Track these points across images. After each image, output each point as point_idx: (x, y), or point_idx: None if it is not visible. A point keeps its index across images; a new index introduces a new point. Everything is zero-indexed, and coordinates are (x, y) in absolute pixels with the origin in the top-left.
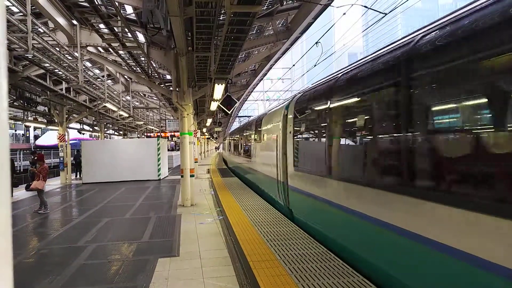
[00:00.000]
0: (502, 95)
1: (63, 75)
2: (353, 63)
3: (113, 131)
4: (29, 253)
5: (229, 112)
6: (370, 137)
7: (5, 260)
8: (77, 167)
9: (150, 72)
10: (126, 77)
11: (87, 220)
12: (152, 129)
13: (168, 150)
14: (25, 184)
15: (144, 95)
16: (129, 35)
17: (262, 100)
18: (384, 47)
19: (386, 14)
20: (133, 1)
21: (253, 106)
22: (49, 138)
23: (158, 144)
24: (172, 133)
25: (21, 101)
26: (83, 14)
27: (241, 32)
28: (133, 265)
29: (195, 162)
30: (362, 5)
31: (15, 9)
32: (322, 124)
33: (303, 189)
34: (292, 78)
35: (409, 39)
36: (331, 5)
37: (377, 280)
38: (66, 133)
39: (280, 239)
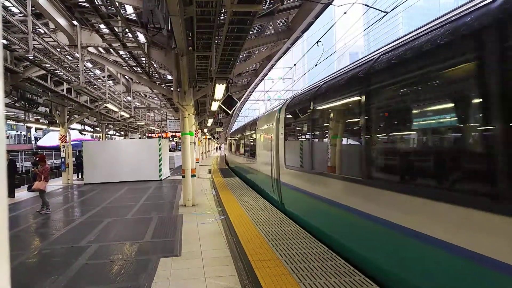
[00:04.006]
0: None
1: (64, 75)
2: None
3: (114, 132)
4: (32, 253)
5: (230, 112)
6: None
7: (2, 257)
8: (78, 167)
9: (151, 72)
10: (127, 77)
11: (89, 220)
12: (153, 129)
13: (169, 150)
14: (27, 185)
15: (145, 95)
16: (130, 35)
17: (263, 100)
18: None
19: (387, 12)
20: (133, 1)
21: (254, 106)
22: (51, 139)
23: (159, 145)
24: (173, 134)
25: (22, 102)
26: (83, 14)
27: (242, 31)
28: (135, 265)
29: (196, 162)
30: (363, 4)
31: (15, 10)
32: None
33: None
34: (293, 78)
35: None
36: (332, 4)
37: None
38: (67, 134)
39: (282, 238)
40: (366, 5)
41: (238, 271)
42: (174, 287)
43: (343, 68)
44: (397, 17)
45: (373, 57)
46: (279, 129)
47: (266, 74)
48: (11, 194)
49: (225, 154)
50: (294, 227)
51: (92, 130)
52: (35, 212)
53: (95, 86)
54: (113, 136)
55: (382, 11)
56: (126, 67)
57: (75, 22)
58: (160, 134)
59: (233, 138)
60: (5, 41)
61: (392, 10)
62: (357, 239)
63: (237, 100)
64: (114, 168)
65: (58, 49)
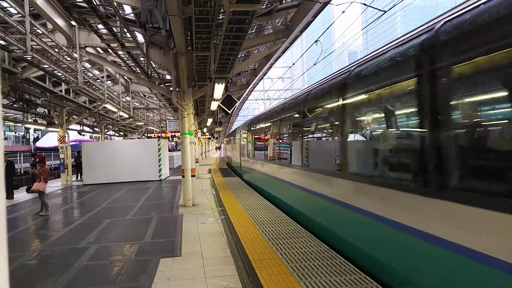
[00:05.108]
0: None
1: (63, 76)
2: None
3: (113, 132)
4: (31, 255)
5: (230, 112)
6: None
7: (1, 258)
8: (77, 168)
9: (149, 72)
10: (125, 77)
11: (88, 221)
12: (153, 129)
13: (169, 150)
14: (26, 186)
15: (144, 95)
16: (128, 35)
17: (262, 99)
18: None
19: (385, 11)
20: (132, 1)
21: (253, 105)
22: (49, 139)
23: (158, 145)
24: (173, 134)
25: (21, 103)
26: (81, 14)
27: (241, 31)
28: (135, 265)
29: (196, 162)
30: (361, 3)
31: (13, 11)
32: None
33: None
34: (292, 77)
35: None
36: (330, 3)
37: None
38: (66, 135)
39: (282, 237)
40: (364, 4)
41: (239, 270)
42: (175, 287)
43: None
44: (395, 15)
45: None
46: None
47: (265, 73)
48: (9, 195)
49: (228, 156)
50: (294, 226)
51: (91, 130)
52: (34, 214)
53: (93, 87)
54: (112, 137)
55: (380, 10)
56: (125, 67)
57: (73, 23)
58: (159, 134)
59: (265, 127)
60: (3, 42)
61: (390, 9)
62: None
63: (237, 100)
64: (114, 169)
65: (56, 50)
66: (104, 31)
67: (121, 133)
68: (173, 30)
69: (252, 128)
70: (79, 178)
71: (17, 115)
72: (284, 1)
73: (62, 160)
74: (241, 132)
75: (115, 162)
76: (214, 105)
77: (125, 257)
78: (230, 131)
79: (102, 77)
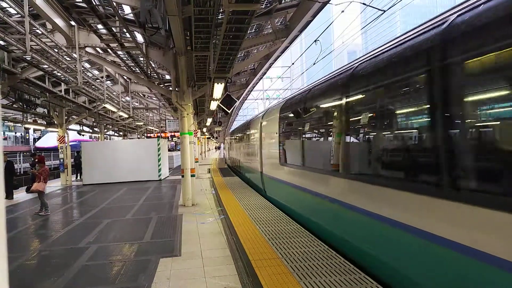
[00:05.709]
0: None
1: (62, 76)
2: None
3: (113, 132)
4: (31, 255)
5: (229, 112)
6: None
7: (0, 258)
8: (77, 168)
9: (149, 72)
10: (125, 77)
11: (88, 221)
12: (152, 129)
13: (168, 150)
14: (26, 186)
15: (144, 95)
16: (128, 35)
17: (261, 99)
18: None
19: (384, 11)
20: (131, 1)
21: (253, 105)
22: (49, 139)
23: (158, 145)
24: (172, 133)
25: (20, 103)
26: (80, 14)
27: (240, 30)
28: (135, 265)
29: (195, 162)
30: (360, 2)
31: (12, 11)
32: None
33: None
34: (291, 76)
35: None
36: (329, 2)
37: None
38: (66, 135)
39: (282, 237)
40: (364, 4)
41: (238, 270)
42: (174, 287)
43: None
44: (394, 15)
45: None
46: None
47: (265, 73)
48: (9, 195)
49: (232, 159)
50: (294, 226)
51: (91, 130)
52: (34, 214)
53: (93, 87)
54: (111, 137)
55: (379, 9)
56: (124, 67)
57: (72, 23)
58: (159, 134)
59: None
60: (2, 42)
61: (389, 8)
62: None
63: (236, 100)
64: (113, 169)
65: (56, 50)
66: (104, 31)
67: (121, 133)
68: (172, 30)
69: (299, 112)
70: (78, 178)
71: (16, 115)
72: (283, 1)
73: (61, 160)
74: (265, 123)
75: (114, 162)
76: (213, 105)
77: (124, 257)
78: (237, 126)
79: (102, 77)
